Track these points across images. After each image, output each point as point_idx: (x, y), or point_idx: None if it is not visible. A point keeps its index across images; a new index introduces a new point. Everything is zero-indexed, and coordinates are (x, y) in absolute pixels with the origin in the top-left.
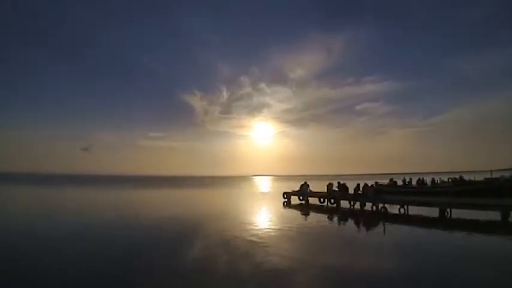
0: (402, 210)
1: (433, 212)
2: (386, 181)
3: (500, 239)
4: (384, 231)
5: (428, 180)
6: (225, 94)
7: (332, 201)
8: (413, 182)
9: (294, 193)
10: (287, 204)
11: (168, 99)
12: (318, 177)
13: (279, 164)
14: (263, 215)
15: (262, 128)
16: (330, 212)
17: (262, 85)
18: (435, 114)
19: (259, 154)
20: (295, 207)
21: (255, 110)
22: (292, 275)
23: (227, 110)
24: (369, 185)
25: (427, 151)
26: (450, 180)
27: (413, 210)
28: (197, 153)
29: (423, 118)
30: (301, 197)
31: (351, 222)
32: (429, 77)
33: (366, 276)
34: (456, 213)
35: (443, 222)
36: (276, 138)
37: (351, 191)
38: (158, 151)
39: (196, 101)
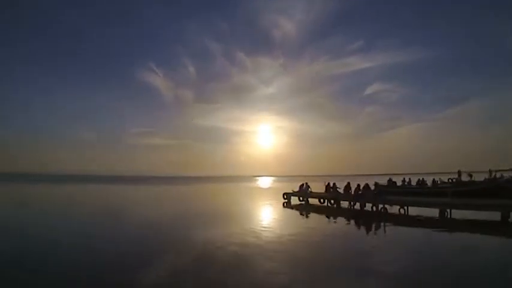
0: (402, 211)
1: (433, 213)
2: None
3: (500, 239)
4: (384, 232)
5: (427, 180)
6: (192, 70)
7: (332, 201)
8: (413, 183)
9: (294, 194)
10: (287, 205)
11: (125, 80)
12: (318, 178)
13: (278, 164)
14: (262, 216)
15: (255, 122)
16: (330, 212)
17: (240, 55)
18: (455, 104)
19: (255, 153)
20: (296, 207)
21: (235, 94)
22: None
23: (204, 96)
24: (370, 185)
25: (438, 149)
26: (450, 180)
27: (414, 210)
28: (190, 152)
29: (440, 109)
30: (301, 198)
31: (351, 223)
32: (460, 46)
33: (365, 277)
34: (456, 213)
35: (443, 223)
36: (272, 134)
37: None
38: (147, 149)
39: (159, 81)
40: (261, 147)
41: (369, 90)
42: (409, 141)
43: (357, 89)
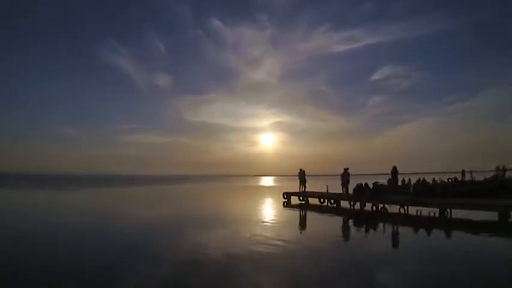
0: (402, 210)
1: (433, 212)
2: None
3: (500, 239)
4: (384, 232)
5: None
6: (162, 48)
7: (332, 201)
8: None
9: (294, 193)
10: (287, 205)
11: (88, 63)
12: (321, 177)
13: (277, 163)
14: (260, 217)
15: (250, 117)
16: (330, 212)
17: (215, 23)
18: (474, 93)
19: (254, 151)
20: (296, 207)
21: (218, 79)
22: None
23: (186, 84)
24: (370, 185)
25: (453, 147)
26: (450, 180)
27: (413, 210)
28: (185, 150)
29: (458, 99)
30: (301, 197)
31: (351, 224)
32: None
33: (365, 278)
34: (456, 213)
35: (443, 223)
36: (270, 131)
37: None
38: (138, 147)
39: (127, 64)
40: (259, 144)
41: (377, 75)
42: (419, 138)
43: (363, 72)
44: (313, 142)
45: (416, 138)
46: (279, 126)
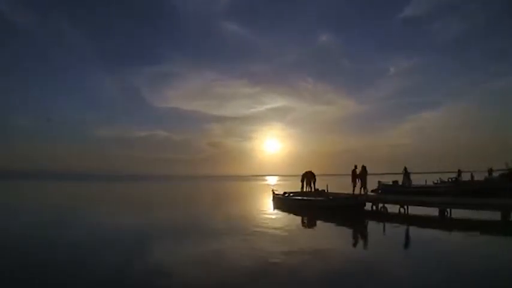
0: (402, 210)
1: (433, 212)
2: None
3: (500, 238)
4: (384, 231)
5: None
6: None
7: None
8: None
9: (294, 193)
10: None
11: None
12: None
13: (275, 162)
14: (256, 217)
15: (229, 100)
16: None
17: None
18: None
19: (244, 147)
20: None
21: (153, 25)
22: None
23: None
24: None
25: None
26: (450, 180)
27: (413, 210)
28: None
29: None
30: None
31: (349, 223)
32: None
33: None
34: (456, 213)
35: (443, 222)
36: (263, 122)
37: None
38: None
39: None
40: (250, 138)
41: (412, 7)
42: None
43: (389, 8)
44: (314, 135)
45: (439, 130)
46: (271, 115)
